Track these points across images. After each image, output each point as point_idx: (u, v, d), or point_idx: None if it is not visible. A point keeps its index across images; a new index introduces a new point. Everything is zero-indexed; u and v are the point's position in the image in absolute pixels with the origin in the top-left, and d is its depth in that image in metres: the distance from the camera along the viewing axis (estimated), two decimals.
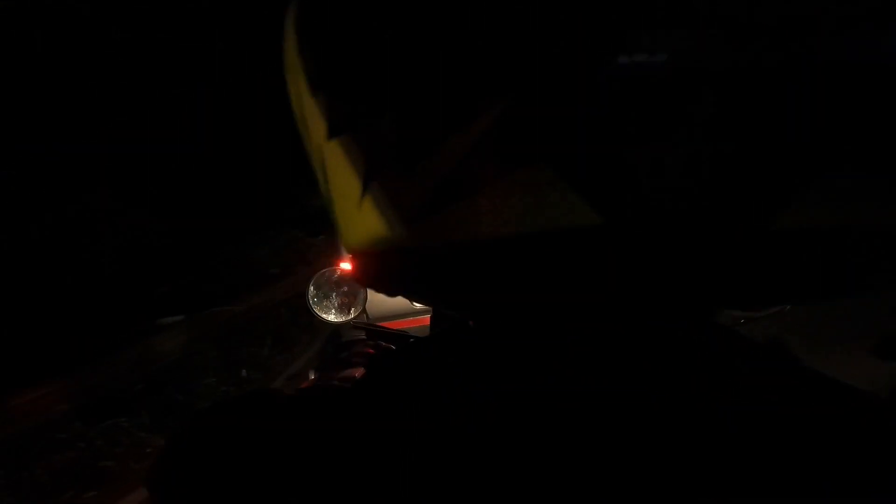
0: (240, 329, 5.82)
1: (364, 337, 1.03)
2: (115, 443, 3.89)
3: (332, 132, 0.31)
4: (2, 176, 6.82)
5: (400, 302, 1.92)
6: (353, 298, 1.22)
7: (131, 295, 6.53)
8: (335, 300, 1.24)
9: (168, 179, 8.99)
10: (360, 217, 0.31)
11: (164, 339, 5.14)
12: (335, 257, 3.85)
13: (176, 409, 4.42)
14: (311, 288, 1.26)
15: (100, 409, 4.07)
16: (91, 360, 4.38)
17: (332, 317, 1.23)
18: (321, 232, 9.69)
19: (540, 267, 0.27)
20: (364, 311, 1.23)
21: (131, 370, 4.52)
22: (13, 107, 6.97)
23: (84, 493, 3.48)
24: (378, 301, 1.22)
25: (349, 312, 1.22)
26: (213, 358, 5.15)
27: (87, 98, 7.81)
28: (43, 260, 6.90)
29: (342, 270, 1.26)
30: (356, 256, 0.36)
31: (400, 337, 1.02)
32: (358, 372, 0.80)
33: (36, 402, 3.80)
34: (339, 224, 0.36)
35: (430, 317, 1.03)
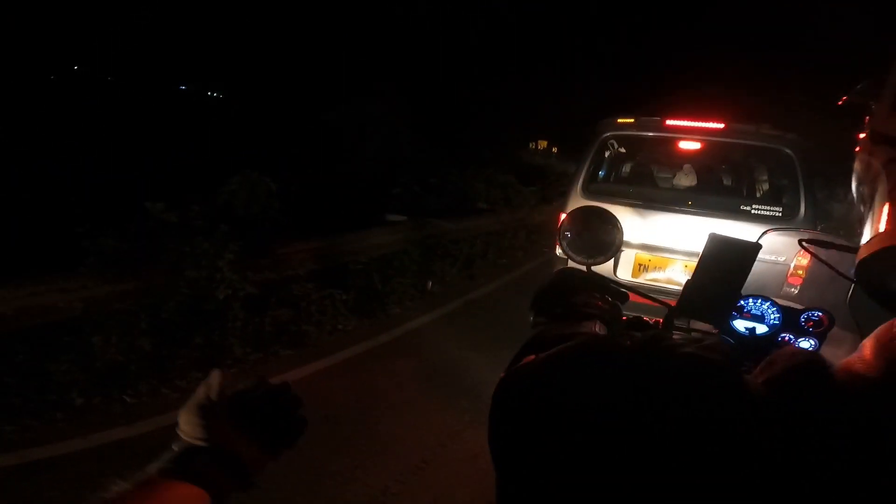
0: (441, 246, 6.47)
1: (585, 288, 1.01)
2: (323, 311, 4.64)
3: None
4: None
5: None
6: (604, 246, 1.16)
7: (377, 190, 7.81)
8: (586, 241, 1.17)
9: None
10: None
11: (387, 231, 5.86)
12: (560, 208, 4.11)
13: (374, 295, 5.25)
14: (566, 223, 1.19)
15: (327, 277, 4.84)
16: (335, 234, 5.20)
17: (580, 257, 1.16)
18: (533, 183, 10.01)
19: None
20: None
21: (356, 250, 5.30)
22: None
23: (283, 350, 4.17)
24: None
25: (596, 258, 1.15)
26: (414, 261, 5.87)
27: None
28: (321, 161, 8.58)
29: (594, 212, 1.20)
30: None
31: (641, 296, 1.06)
32: (596, 325, 0.80)
33: (292, 256, 4.57)
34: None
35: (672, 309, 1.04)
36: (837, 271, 1.00)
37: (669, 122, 3.97)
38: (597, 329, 0.80)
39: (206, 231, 3.89)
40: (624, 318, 1.04)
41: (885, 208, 0.49)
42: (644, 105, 4.20)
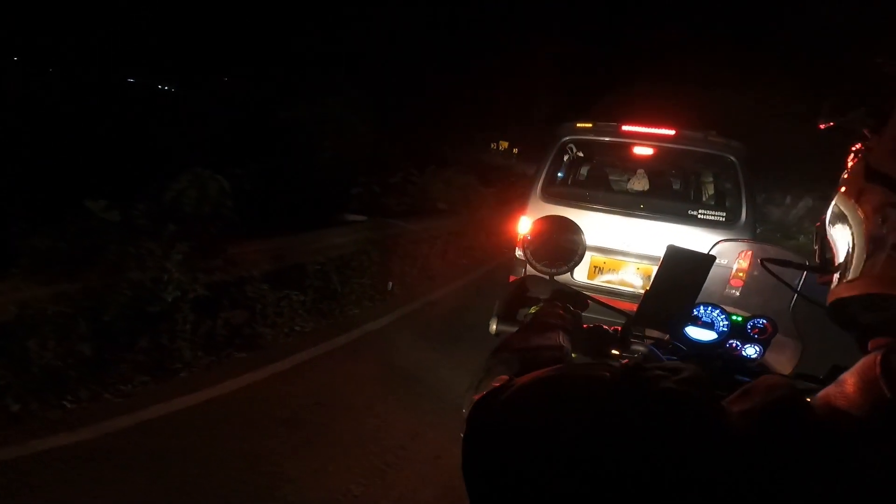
0: (400, 246, 6.40)
1: (549, 297, 1.02)
2: (279, 312, 4.51)
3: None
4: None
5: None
6: (567, 255, 1.16)
7: (335, 190, 7.69)
8: (549, 251, 1.18)
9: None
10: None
11: (345, 231, 5.78)
12: (520, 210, 4.17)
13: (332, 296, 5.15)
14: (530, 232, 1.20)
15: (283, 278, 4.72)
16: (291, 234, 5.10)
17: (542, 266, 1.17)
18: (493, 185, 10.12)
19: None
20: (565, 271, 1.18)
21: (313, 251, 5.16)
22: None
23: (238, 352, 4.01)
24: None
25: (559, 267, 1.16)
26: (372, 262, 5.77)
27: None
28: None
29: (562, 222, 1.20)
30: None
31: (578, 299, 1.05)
32: (560, 336, 0.80)
33: (246, 257, 4.40)
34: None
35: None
36: (799, 293, 1.05)
37: (625, 127, 4.07)
38: (560, 339, 0.81)
39: (152, 231, 3.70)
40: (585, 326, 1.07)
41: (867, 252, 0.48)
42: (605, 108, 4.31)
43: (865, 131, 0.55)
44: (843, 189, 0.54)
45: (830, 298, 0.52)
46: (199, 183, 4.33)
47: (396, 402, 3.49)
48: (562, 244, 1.19)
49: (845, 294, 0.50)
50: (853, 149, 0.55)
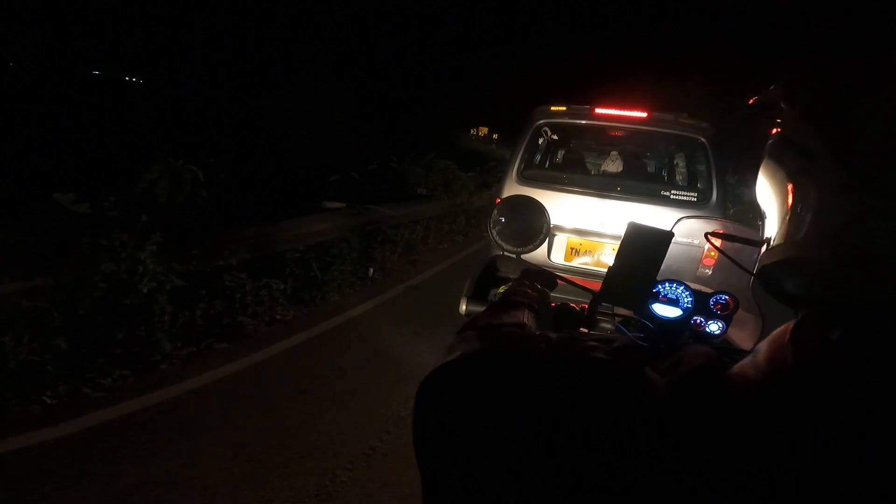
0: (381, 232, 6.41)
1: (518, 276, 1.04)
2: (259, 301, 4.49)
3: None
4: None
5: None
6: (532, 234, 1.18)
7: (313, 178, 7.57)
8: (515, 230, 1.20)
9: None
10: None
11: (324, 218, 5.67)
12: (497, 193, 4.18)
13: (313, 284, 5.12)
14: (496, 212, 1.22)
15: (262, 267, 4.68)
16: (269, 223, 4.95)
17: (509, 245, 1.19)
18: (473, 170, 10.10)
19: None
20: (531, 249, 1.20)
21: (292, 239, 5.10)
22: None
23: (219, 343, 3.97)
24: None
25: (525, 246, 1.18)
26: (353, 248, 5.76)
27: None
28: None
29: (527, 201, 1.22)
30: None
31: (549, 278, 1.06)
32: (524, 314, 0.81)
33: (223, 246, 4.31)
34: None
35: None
36: (739, 265, 1.05)
37: (598, 110, 4.07)
38: (524, 318, 0.81)
39: (124, 222, 3.61)
40: (553, 304, 1.07)
41: (786, 218, 0.50)
42: (582, 92, 4.31)
43: (781, 103, 0.57)
44: (765, 160, 0.56)
45: (757, 268, 0.53)
46: (172, 173, 4.23)
47: (379, 388, 3.50)
48: (526, 223, 1.19)
49: (767, 261, 0.51)
50: (774, 120, 0.58)
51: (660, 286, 1.14)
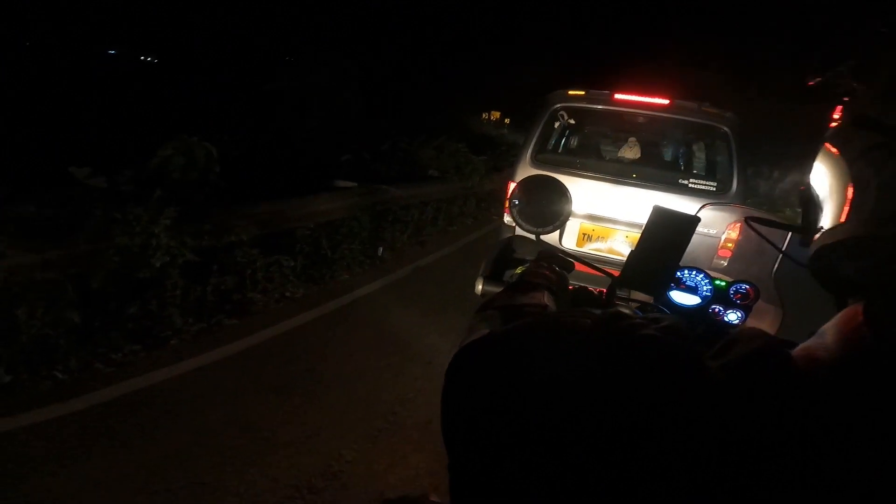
0: (391, 212, 6.33)
1: (535, 258, 1.01)
2: (270, 277, 4.45)
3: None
4: None
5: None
6: (553, 214, 1.15)
7: (324, 157, 7.51)
8: (535, 210, 1.16)
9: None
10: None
11: (335, 197, 5.59)
12: (510, 176, 4.12)
13: (322, 262, 5.09)
14: (517, 192, 1.18)
15: (272, 244, 4.62)
16: (281, 200, 4.89)
17: (528, 225, 1.16)
18: (484, 153, 9.95)
19: None
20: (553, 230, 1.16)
21: (302, 216, 5.05)
22: None
23: (229, 319, 3.95)
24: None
25: (545, 227, 1.15)
26: (363, 227, 5.71)
27: None
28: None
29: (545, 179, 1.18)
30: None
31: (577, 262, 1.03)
32: (544, 296, 0.79)
33: (235, 222, 4.27)
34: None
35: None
36: (783, 252, 1.02)
37: (618, 96, 3.98)
38: (545, 299, 0.78)
39: (139, 197, 3.57)
40: (570, 287, 1.04)
41: (851, 198, 0.48)
42: (596, 79, 4.22)
43: (853, 82, 0.56)
44: (826, 143, 0.55)
45: (813, 249, 0.52)
46: (186, 149, 4.17)
47: (387, 368, 3.47)
48: (548, 204, 1.16)
49: (829, 240, 0.49)
50: (841, 100, 0.57)
51: (680, 273, 1.11)
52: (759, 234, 1.02)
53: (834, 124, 0.56)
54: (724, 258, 1.37)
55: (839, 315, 0.44)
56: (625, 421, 0.39)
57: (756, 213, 1.30)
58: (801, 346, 0.43)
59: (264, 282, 4.43)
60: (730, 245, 1.39)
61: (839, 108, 0.57)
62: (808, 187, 0.60)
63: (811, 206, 0.59)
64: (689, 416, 0.39)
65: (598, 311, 0.51)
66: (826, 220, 0.52)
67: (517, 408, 0.43)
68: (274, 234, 4.71)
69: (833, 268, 0.48)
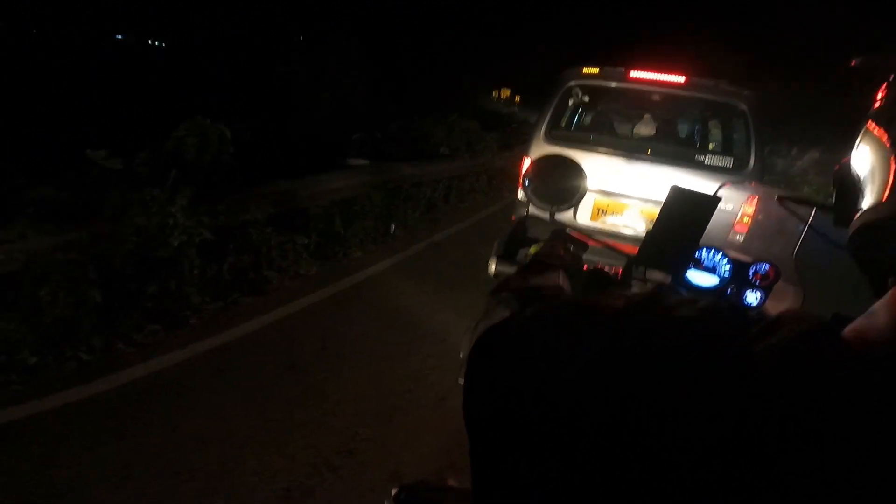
0: (403, 190, 6.25)
1: (549, 237, 0.98)
2: (284, 255, 4.42)
3: None
4: None
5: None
6: (568, 193, 1.12)
7: (335, 137, 7.44)
8: (550, 189, 1.13)
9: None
10: None
11: (347, 175, 5.60)
12: (523, 154, 4.08)
13: (336, 239, 5.05)
14: (531, 171, 1.15)
15: (286, 222, 4.57)
16: (294, 179, 4.88)
17: (543, 204, 1.13)
18: (495, 130, 9.78)
19: None
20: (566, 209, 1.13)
21: (315, 195, 4.99)
22: None
23: (245, 297, 3.95)
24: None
25: (560, 205, 1.12)
26: (375, 205, 5.64)
27: None
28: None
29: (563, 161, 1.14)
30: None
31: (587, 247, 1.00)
32: (560, 276, 0.77)
33: (249, 201, 4.23)
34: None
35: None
36: (813, 227, 1.00)
37: (633, 73, 3.90)
38: (560, 280, 0.75)
39: (154, 178, 3.56)
40: (585, 267, 1.01)
41: (893, 173, 0.46)
42: (610, 60, 4.15)
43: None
44: (870, 122, 0.54)
45: (854, 227, 0.50)
46: (200, 131, 4.15)
47: (400, 346, 3.46)
48: (563, 182, 1.14)
49: (870, 219, 0.47)
50: (888, 80, 0.56)
51: (698, 253, 1.07)
52: (793, 213, 0.99)
53: (878, 104, 0.55)
54: (739, 234, 1.33)
55: (889, 294, 0.41)
56: (663, 403, 0.36)
57: (785, 193, 1.25)
58: (850, 326, 0.41)
59: (279, 260, 4.42)
60: (745, 220, 1.35)
61: (883, 86, 0.55)
62: (844, 167, 0.58)
63: (848, 185, 0.57)
64: (734, 398, 0.36)
65: (630, 293, 0.48)
66: (867, 200, 0.51)
67: (547, 395, 0.40)
68: (287, 213, 4.69)
69: (874, 246, 0.47)
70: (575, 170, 1.14)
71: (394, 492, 0.54)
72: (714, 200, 0.98)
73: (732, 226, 1.34)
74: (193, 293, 3.67)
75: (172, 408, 2.68)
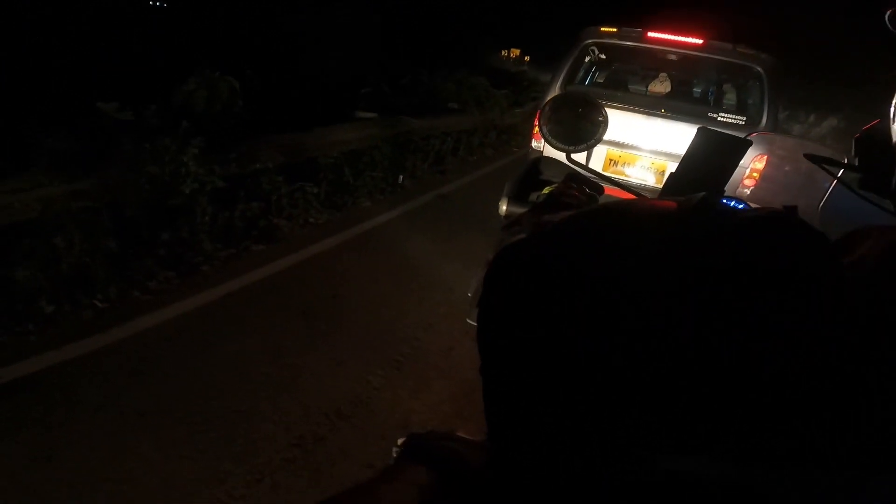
0: (412, 142, 6.16)
1: (564, 179, 0.91)
2: (294, 203, 4.40)
3: None
4: None
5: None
6: (587, 132, 1.05)
7: (345, 90, 7.24)
8: (568, 128, 1.06)
9: None
10: None
11: (357, 127, 5.51)
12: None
13: (345, 189, 4.98)
14: (548, 108, 1.09)
15: (296, 172, 4.51)
16: (304, 130, 4.83)
17: (560, 143, 1.06)
18: (504, 87, 9.48)
19: None
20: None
21: (325, 146, 4.91)
22: None
23: (256, 244, 3.94)
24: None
25: (578, 145, 1.06)
26: (384, 156, 5.56)
27: None
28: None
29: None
30: None
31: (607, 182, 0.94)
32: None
33: (260, 150, 4.18)
34: None
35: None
36: (839, 179, 0.95)
37: (651, 34, 3.88)
38: None
39: (166, 129, 3.52)
40: None
41: None
42: (623, 20, 4.11)
43: None
44: None
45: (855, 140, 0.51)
46: (210, 84, 4.08)
47: (409, 294, 3.47)
48: (582, 121, 1.07)
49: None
50: None
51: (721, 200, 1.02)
52: (824, 168, 0.92)
53: None
54: (747, 188, 1.33)
55: None
56: (732, 315, 0.29)
57: (810, 149, 1.20)
58: None
59: (289, 208, 4.40)
60: (755, 175, 1.34)
61: None
62: (872, 130, 0.58)
63: (876, 150, 0.57)
64: (815, 312, 0.29)
65: (680, 198, 0.37)
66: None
67: (581, 314, 0.32)
68: (298, 163, 4.63)
69: (873, 155, 0.49)
70: (596, 107, 1.07)
71: (401, 441, 0.50)
72: (745, 143, 0.91)
73: (742, 180, 1.32)
74: (206, 240, 3.68)
75: (188, 355, 2.70)
